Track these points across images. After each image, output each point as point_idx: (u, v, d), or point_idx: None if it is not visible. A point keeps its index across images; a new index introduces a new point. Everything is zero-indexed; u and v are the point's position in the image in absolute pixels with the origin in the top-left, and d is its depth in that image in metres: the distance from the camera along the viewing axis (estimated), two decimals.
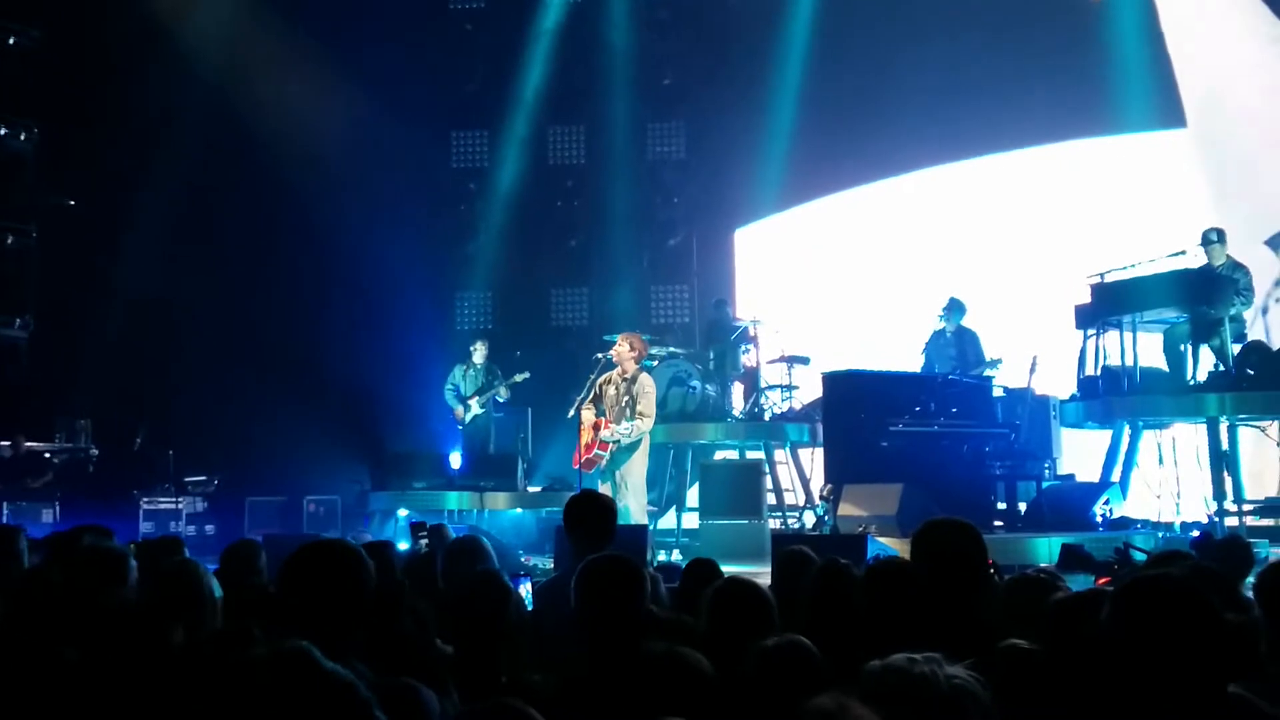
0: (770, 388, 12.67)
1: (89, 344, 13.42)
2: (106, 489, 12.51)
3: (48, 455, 13.10)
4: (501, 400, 12.99)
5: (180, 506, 12.60)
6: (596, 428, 9.70)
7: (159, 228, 13.51)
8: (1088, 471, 10.81)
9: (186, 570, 4.32)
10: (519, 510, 12.29)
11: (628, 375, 9.80)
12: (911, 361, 11.83)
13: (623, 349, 9.87)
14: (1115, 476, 10.18)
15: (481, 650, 3.60)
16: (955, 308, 11.81)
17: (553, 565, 8.27)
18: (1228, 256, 9.94)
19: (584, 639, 3.51)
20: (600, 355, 10.25)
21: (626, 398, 9.66)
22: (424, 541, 6.05)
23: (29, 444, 12.85)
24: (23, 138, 13.79)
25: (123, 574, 4.10)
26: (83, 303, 13.75)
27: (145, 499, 12.49)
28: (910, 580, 3.69)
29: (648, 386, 9.79)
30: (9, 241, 13.68)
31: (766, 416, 12.45)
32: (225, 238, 14.30)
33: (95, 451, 13.35)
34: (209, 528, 12.60)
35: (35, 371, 13.64)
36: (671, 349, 12.68)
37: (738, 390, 13.01)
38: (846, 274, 14.35)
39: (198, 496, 12.89)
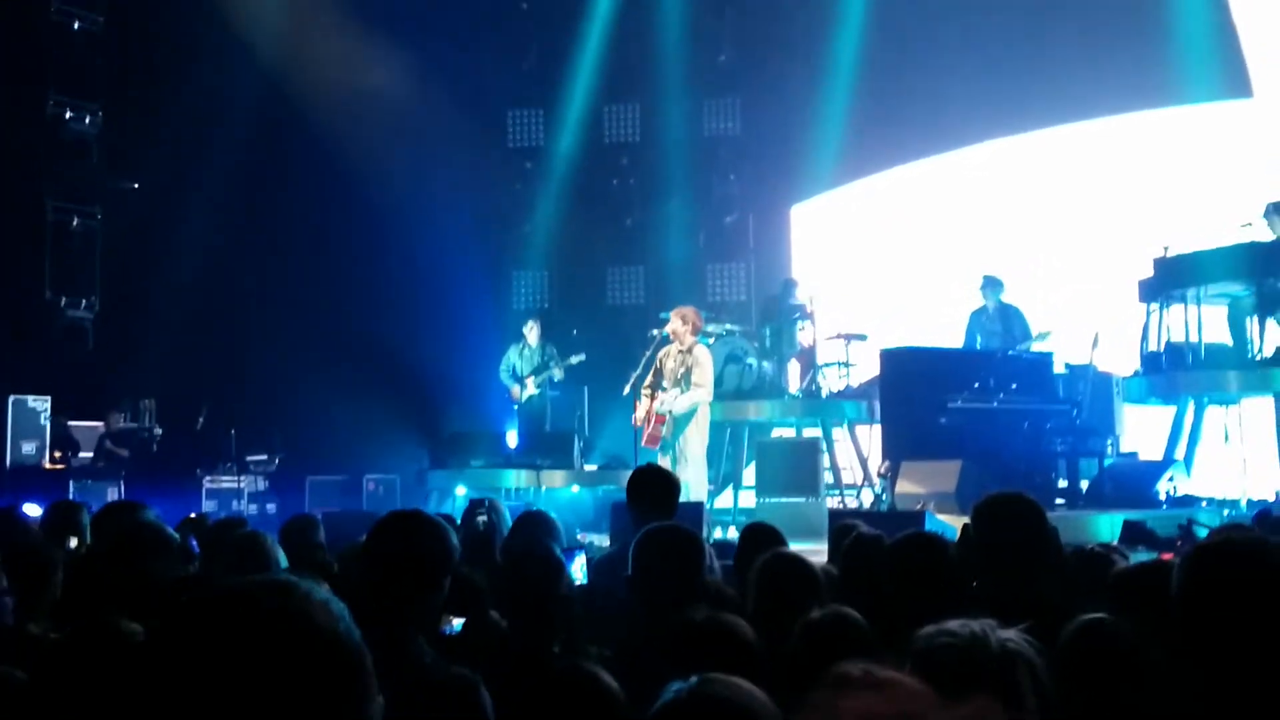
0: (827, 365, 12.58)
1: (153, 325, 13.61)
2: (170, 468, 12.71)
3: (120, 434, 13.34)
4: (557, 380, 13.03)
5: (242, 485, 12.77)
6: (650, 409, 9.73)
7: (220, 209, 13.68)
8: (1151, 449, 10.65)
9: (254, 541, 4.39)
10: (576, 488, 12.32)
11: (684, 348, 9.81)
12: (958, 339, 11.71)
13: (676, 324, 9.87)
14: (1179, 454, 10.01)
15: (533, 623, 3.62)
16: (992, 284, 11.70)
17: (609, 542, 8.28)
18: None
19: (638, 607, 3.51)
20: (655, 332, 10.24)
21: (683, 369, 9.67)
22: (482, 519, 6.07)
23: (119, 426, 13.16)
24: (87, 121, 13.98)
25: (162, 545, 4.14)
26: (147, 284, 13.95)
27: (208, 478, 12.66)
28: (942, 552, 3.64)
29: (702, 357, 9.80)
30: (74, 224, 13.90)
31: (823, 394, 12.37)
32: (285, 218, 14.45)
33: (159, 431, 13.55)
34: (270, 506, 12.77)
35: (101, 352, 13.87)
36: (728, 326, 12.63)
37: (794, 368, 12.93)
38: (905, 250, 14.20)
39: (259, 475, 13.07)
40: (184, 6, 13.90)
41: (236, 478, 12.77)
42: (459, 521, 5.95)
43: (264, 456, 13.19)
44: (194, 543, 5.60)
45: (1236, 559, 2.48)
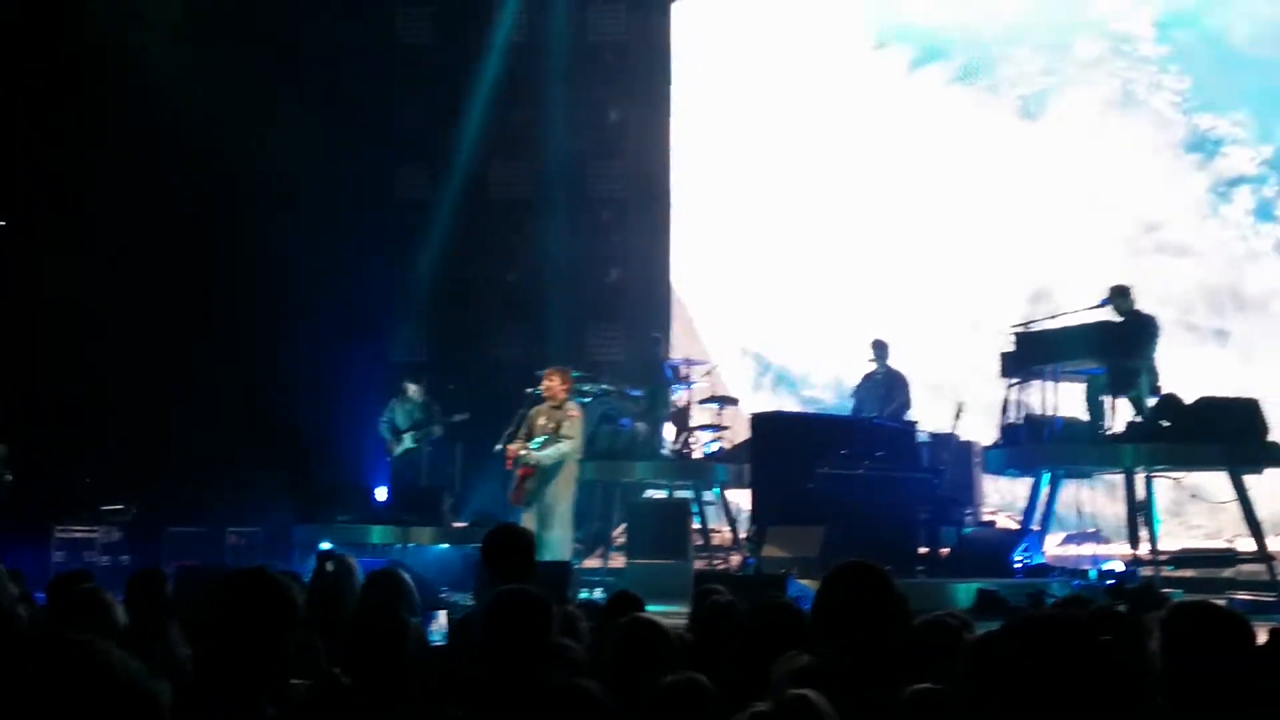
0: (700, 428, 12.68)
1: (8, 365, 13.14)
2: (19, 516, 12.18)
3: None
4: (436, 437, 12.94)
5: (95, 536, 12.27)
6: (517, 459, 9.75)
7: (87, 247, 13.32)
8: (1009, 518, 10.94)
9: (93, 598, 4.25)
10: (444, 546, 12.16)
11: (557, 404, 9.89)
12: (843, 405, 11.93)
13: (553, 382, 9.95)
14: (1035, 524, 10.30)
15: (379, 682, 3.57)
16: (878, 347, 11.98)
17: (473, 599, 8.18)
18: (1133, 312, 10.05)
19: (486, 669, 3.49)
20: (530, 390, 10.26)
21: (553, 424, 9.73)
22: (329, 567, 5.90)
23: None
24: None
25: None
26: (4, 322, 13.48)
27: (59, 528, 12.16)
28: (795, 620, 3.69)
29: (572, 411, 9.90)
30: None
31: (696, 456, 12.45)
32: (156, 260, 14.08)
33: (9, 477, 13.00)
34: (124, 558, 12.24)
35: None
36: (603, 386, 12.67)
37: (668, 430, 13.01)
38: (781, 314, 14.45)
39: (114, 526, 12.57)
40: (66, 42, 13.63)
41: (90, 528, 12.28)
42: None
43: (120, 506, 12.71)
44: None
45: (1045, 631, 2.63)
